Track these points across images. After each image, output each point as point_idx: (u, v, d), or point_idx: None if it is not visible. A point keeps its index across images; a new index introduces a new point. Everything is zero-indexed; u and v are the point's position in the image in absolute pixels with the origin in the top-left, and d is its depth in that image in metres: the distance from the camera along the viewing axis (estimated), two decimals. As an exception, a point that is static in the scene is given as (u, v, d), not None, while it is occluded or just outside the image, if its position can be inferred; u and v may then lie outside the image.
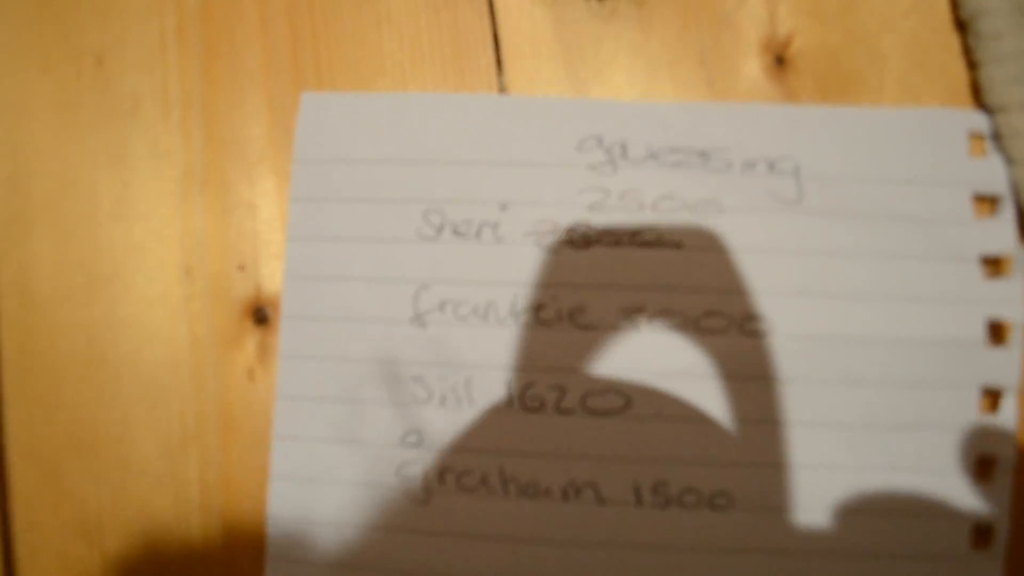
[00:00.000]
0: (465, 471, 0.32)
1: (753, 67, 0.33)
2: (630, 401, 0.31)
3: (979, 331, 0.31)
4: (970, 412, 0.31)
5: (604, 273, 0.32)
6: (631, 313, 0.32)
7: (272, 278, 0.34)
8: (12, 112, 0.35)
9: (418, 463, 0.32)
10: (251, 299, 0.33)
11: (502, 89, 0.34)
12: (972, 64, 0.33)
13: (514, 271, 0.32)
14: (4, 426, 0.34)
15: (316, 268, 0.33)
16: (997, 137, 0.32)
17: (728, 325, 0.31)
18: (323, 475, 0.32)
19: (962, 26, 0.33)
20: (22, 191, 0.34)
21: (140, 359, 0.34)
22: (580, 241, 0.32)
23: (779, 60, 0.33)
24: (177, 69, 0.35)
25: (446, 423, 0.32)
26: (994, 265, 0.32)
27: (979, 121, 0.32)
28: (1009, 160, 0.32)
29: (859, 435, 0.31)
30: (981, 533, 0.31)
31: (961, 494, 0.31)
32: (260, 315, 0.33)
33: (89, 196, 0.34)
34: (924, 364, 0.31)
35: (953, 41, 0.33)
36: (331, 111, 0.34)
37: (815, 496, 0.31)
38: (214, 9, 0.35)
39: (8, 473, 0.34)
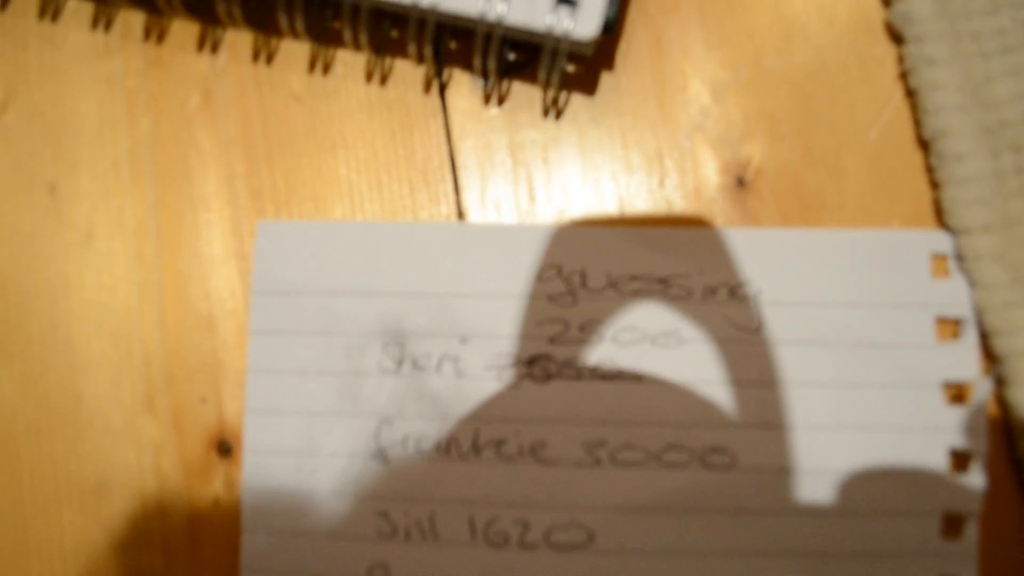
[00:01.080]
0: (431, 606, 0.32)
1: (713, 188, 0.33)
2: (593, 536, 0.32)
3: (941, 459, 0.31)
4: (933, 540, 0.31)
5: (565, 408, 0.32)
6: (592, 448, 0.32)
7: (234, 408, 0.34)
8: (-33, 244, 0.34)
9: (385, 598, 0.32)
10: (214, 431, 0.33)
11: (460, 212, 0.33)
12: (934, 184, 0.32)
13: (475, 405, 0.32)
14: (-28, 565, 0.34)
15: (277, 402, 0.33)
16: (960, 259, 0.32)
17: (690, 459, 0.31)
18: (291, 610, 0.32)
19: (925, 145, 0.32)
20: (-20, 324, 0.34)
21: (106, 493, 0.34)
22: (541, 375, 0.32)
23: (739, 181, 0.33)
24: (131, 196, 0.34)
25: (411, 557, 0.32)
26: (956, 391, 0.31)
27: (942, 241, 0.32)
28: (972, 283, 0.31)
29: (823, 563, 0.31)
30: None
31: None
32: (223, 447, 0.33)
33: (48, 329, 0.34)
34: (886, 494, 0.31)
35: (916, 159, 0.33)
36: (288, 239, 0.34)
37: (779, 627, 0.31)
38: (166, 135, 0.34)
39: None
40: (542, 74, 0.32)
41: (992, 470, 0.31)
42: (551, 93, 0.33)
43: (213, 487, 0.33)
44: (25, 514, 0.34)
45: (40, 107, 0.35)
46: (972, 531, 0.31)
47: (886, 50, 0.33)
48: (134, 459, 0.34)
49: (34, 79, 0.35)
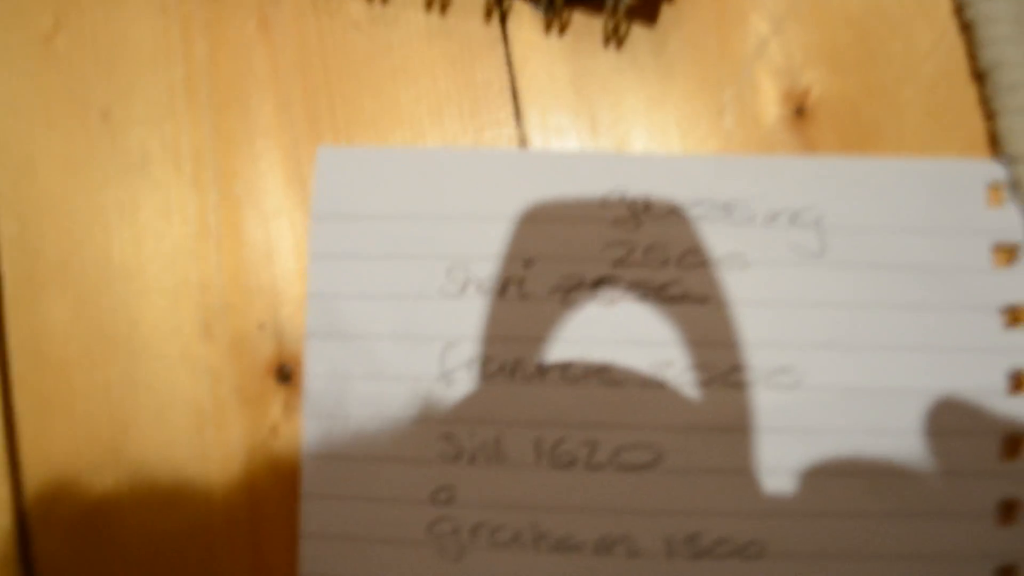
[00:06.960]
0: (498, 527, 0.32)
1: (773, 118, 0.33)
2: (661, 455, 0.32)
3: (1000, 381, 0.32)
4: (991, 460, 0.31)
5: (631, 329, 0.32)
6: (659, 368, 0.32)
7: (293, 335, 0.33)
8: (19, 169, 0.34)
9: (449, 520, 0.32)
10: (273, 357, 0.33)
11: (521, 141, 0.34)
12: (989, 114, 0.33)
13: (540, 328, 0.32)
14: (23, 494, 0.33)
15: (339, 326, 0.33)
16: (1015, 187, 0.32)
17: (756, 378, 0.32)
18: (354, 533, 0.32)
19: (979, 77, 0.33)
20: (32, 250, 0.34)
21: (162, 421, 0.33)
22: (606, 297, 0.32)
23: (799, 111, 0.33)
24: (187, 122, 0.34)
25: (477, 479, 0.32)
26: (1014, 314, 0.32)
27: (997, 171, 0.33)
28: (1027, 210, 0.32)
29: (885, 482, 0.31)
30: (1006, 572, 0.31)
31: (984, 537, 0.31)
32: (283, 372, 0.33)
33: (102, 255, 0.34)
34: (946, 414, 0.32)
35: (970, 91, 0.33)
36: (348, 165, 0.33)
37: (844, 542, 0.31)
38: (223, 61, 0.34)
39: (32, 542, 0.33)
40: (609, 2, 0.32)
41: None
42: (613, 23, 0.33)
43: (272, 413, 0.33)
44: (77, 443, 0.33)
45: (91, 33, 0.35)
46: (1030, 451, 0.32)
47: (939, -14, 0.34)
48: (190, 386, 0.33)
49: (85, 5, 0.35)
